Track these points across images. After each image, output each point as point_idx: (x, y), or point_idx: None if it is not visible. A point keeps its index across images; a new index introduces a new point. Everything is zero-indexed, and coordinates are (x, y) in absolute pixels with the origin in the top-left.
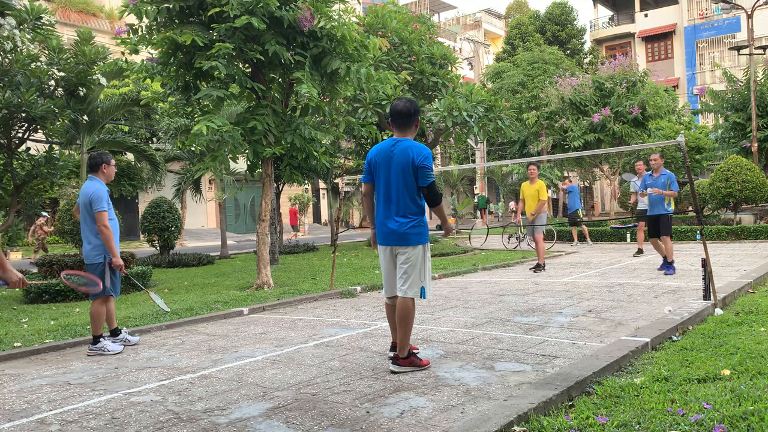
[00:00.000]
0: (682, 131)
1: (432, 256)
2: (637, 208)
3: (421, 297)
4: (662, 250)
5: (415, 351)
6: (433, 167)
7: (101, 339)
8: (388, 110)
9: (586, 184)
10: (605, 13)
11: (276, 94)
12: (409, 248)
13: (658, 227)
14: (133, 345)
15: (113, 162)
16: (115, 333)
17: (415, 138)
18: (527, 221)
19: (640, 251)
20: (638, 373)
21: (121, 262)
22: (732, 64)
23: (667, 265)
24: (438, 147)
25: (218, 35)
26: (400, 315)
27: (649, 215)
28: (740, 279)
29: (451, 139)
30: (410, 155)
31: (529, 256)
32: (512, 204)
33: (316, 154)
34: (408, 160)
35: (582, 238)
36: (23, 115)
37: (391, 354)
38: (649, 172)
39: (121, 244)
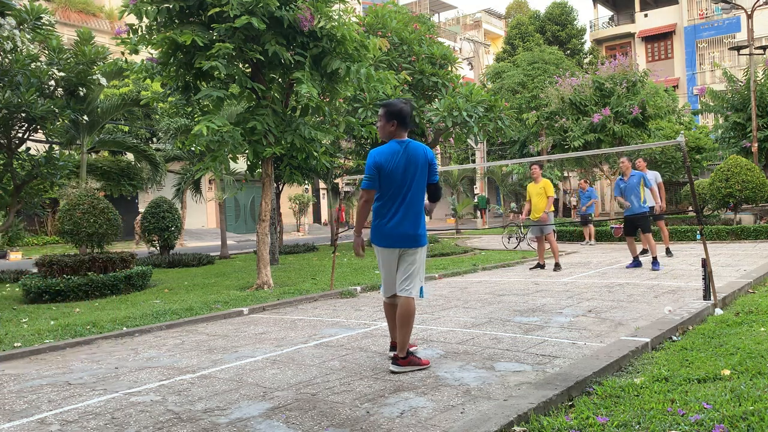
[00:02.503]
0: (682, 131)
1: (432, 256)
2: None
3: (420, 296)
4: (635, 249)
5: (413, 349)
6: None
7: None
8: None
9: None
10: (605, 13)
11: (276, 94)
12: (419, 249)
13: (635, 226)
14: None
15: None
16: None
17: (416, 138)
18: (530, 221)
19: (644, 251)
20: (638, 373)
21: None
22: (732, 64)
23: (653, 261)
24: (438, 147)
25: (218, 35)
26: (403, 315)
27: (627, 215)
28: (740, 279)
29: (451, 139)
30: (425, 154)
31: (529, 256)
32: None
33: (316, 154)
34: (424, 159)
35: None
36: (23, 115)
37: (391, 354)
38: (621, 176)
39: (120, 244)
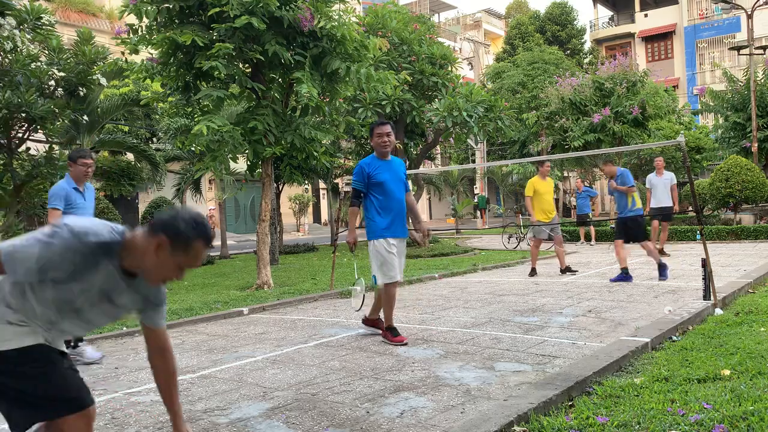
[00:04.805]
0: (682, 131)
1: (431, 256)
2: (650, 206)
3: (374, 284)
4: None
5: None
6: (357, 177)
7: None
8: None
9: (586, 184)
10: (605, 13)
11: (276, 94)
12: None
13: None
14: (94, 362)
15: (80, 160)
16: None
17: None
18: (530, 222)
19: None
20: (638, 373)
21: None
22: (732, 64)
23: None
24: (438, 147)
25: (218, 35)
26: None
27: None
28: (740, 279)
29: (451, 139)
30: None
31: (530, 256)
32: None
33: (316, 154)
34: None
35: (588, 237)
36: (23, 115)
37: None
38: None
39: None
